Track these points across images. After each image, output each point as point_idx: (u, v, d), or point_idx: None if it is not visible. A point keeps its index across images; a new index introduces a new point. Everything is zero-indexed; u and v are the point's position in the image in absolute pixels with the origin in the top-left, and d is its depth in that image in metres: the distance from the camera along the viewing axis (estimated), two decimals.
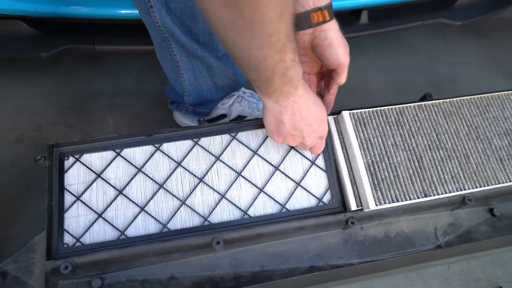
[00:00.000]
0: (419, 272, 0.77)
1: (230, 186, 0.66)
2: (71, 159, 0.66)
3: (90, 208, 0.63)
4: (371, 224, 0.70)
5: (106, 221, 0.63)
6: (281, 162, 0.68)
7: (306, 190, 0.67)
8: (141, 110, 1.02)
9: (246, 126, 0.69)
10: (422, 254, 0.69)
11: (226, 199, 0.65)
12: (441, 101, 0.74)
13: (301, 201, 0.66)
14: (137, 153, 0.67)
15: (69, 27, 0.89)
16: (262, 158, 0.68)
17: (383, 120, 0.71)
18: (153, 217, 0.63)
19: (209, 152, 0.67)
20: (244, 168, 0.67)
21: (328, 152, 0.69)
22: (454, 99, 0.75)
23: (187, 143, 0.68)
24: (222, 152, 0.68)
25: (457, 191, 0.67)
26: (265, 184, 0.66)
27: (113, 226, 0.62)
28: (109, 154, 0.66)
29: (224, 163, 0.67)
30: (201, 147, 0.67)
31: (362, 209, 0.66)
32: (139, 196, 0.64)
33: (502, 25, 1.36)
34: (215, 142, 0.68)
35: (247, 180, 0.66)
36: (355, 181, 0.67)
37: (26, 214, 0.86)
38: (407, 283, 0.78)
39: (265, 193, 0.66)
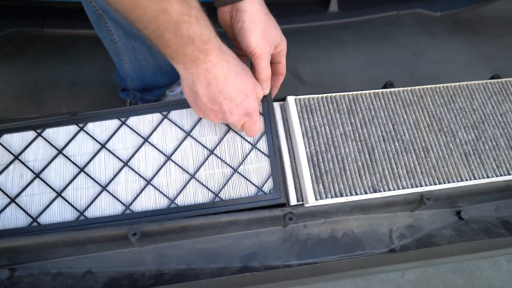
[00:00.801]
0: (367, 278, 0.69)
1: (158, 171, 0.60)
2: None
3: (3, 192, 0.58)
4: (315, 222, 0.63)
5: (19, 206, 0.57)
6: (217, 145, 0.61)
7: (244, 177, 0.60)
8: (98, 99, 0.98)
9: (180, 104, 0.63)
10: (372, 257, 0.62)
11: (152, 185, 0.59)
12: (401, 89, 0.67)
13: (239, 189, 0.59)
14: (60, 134, 0.62)
15: (19, 10, 0.86)
16: (196, 140, 0.62)
17: (333, 108, 0.64)
18: (69, 203, 0.58)
19: (137, 133, 0.62)
20: (174, 151, 0.61)
21: (272, 134, 0.61)
22: (416, 87, 0.68)
23: (114, 122, 0.62)
24: (151, 133, 0.62)
25: (412, 187, 0.60)
26: (198, 170, 0.60)
27: (25, 212, 0.57)
28: (30, 134, 0.62)
29: (153, 145, 0.61)
30: (129, 127, 0.62)
31: (302, 204, 0.59)
32: (57, 180, 0.59)
33: (495, 22, 1.27)
34: (144, 122, 0.62)
35: (178, 165, 0.60)
36: (297, 173, 0.61)
37: None
38: None
39: (197, 179, 0.60)
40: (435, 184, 0.60)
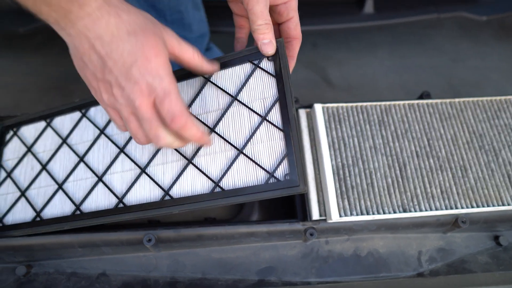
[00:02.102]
0: None
1: (153, 157, 0.53)
2: (11, 133, 0.62)
3: (16, 185, 0.58)
4: (338, 238, 0.59)
5: (27, 200, 0.57)
6: (220, 119, 0.50)
7: (252, 159, 0.48)
8: None
9: (179, 73, 0.53)
10: (398, 281, 0.58)
11: (146, 174, 0.52)
12: (438, 101, 0.62)
13: (245, 175, 0.48)
14: (66, 122, 0.60)
15: None
16: (195, 116, 0.52)
17: (363, 118, 0.60)
18: (68, 196, 0.55)
19: None
20: None
21: (287, 98, 0.47)
22: (456, 100, 0.63)
23: None
24: None
25: (447, 209, 0.55)
26: (196, 153, 0.50)
27: (31, 205, 0.56)
28: (41, 124, 0.61)
29: None
30: None
31: (325, 220, 0.56)
32: (60, 171, 0.57)
33: None
34: None
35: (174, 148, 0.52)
36: (321, 187, 0.57)
37: None
38: None
39: (194, 165, 0.50)
40: (472, 207, 0.56)
